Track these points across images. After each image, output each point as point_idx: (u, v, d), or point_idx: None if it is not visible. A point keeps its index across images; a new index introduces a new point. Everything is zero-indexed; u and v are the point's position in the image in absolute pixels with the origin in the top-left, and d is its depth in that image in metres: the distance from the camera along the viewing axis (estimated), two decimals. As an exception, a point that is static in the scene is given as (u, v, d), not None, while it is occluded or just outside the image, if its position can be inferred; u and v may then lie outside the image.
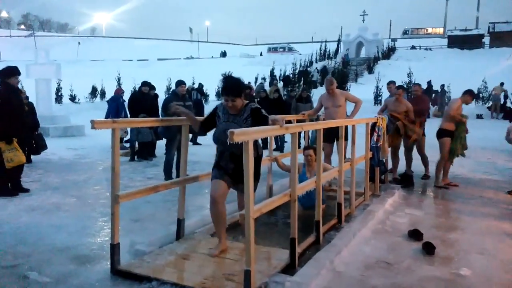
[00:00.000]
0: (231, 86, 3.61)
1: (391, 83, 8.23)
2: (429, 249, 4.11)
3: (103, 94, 24.52)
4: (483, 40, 44.79)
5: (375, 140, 6.21)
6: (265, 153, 7.45)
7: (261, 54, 50.52)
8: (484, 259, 3.97)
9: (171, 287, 3.17)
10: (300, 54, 42.46)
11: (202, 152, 9.82)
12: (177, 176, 6.76)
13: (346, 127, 5.61)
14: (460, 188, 7.06)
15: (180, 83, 7.52)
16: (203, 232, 4.42)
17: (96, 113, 16.27)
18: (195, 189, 5.50)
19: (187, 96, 7.94)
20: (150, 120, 4.54)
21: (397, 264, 3.82)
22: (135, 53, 59.37)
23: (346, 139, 5.81)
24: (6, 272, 3.49)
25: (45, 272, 3.47)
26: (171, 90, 10.90)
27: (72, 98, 23.06)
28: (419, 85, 7.99)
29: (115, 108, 10.52)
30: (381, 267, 3.75)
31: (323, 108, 6.87)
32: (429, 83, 20.76)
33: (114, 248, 3.43)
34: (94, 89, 24.53)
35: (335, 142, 6.47)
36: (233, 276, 3.30)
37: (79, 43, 58.72)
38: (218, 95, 24.63)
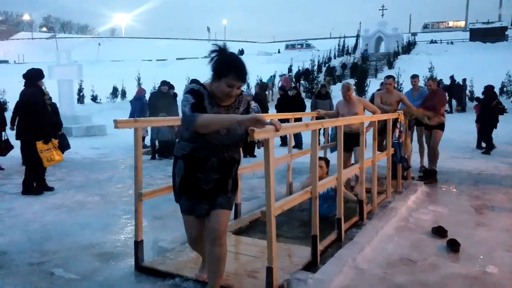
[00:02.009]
0: (244, 67, 2.63)
1: (415, 77, 8.11)
2: (453, 246, 4.03)
3: (123, 94, 24.87)
4: (506, 33, 43.64)
5: (397, 136, 6.13)
6: (285, 150, 7.45)
7: (278, 52, 50.38)
8: (511, 257, 3.87)
9: (194, 283, 3.20)
10: (318, 50, 42.17)
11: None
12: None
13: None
14: (485, 184, 6.92)
15: (193, 82, 7.60)
16: (224, 229, 4.43)
17: (117, 113, 16.51)
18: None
19: None
20: (172, 119, 4.57)
21: (421, 262, 3.76)
22: (154, 53, 59.96)
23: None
24: (33, 269, 3.58)
25: (71, 269, 3.55)
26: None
27: (94, 98, 23.46)
28: (433, 79, 7.80)
29: (140, 107, 10.65)
30: (404, 264, 3.71)
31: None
32: (451, 77, 20.32)
33: (138, 245, 3.48)
34: (115, 89, 24.90)
35: (352, 153, 6.20)
36: (255, 273, 3.31)
37: (99, 44, 59.69)
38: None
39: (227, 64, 2.56)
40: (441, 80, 20.19)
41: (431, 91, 7.38)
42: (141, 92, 11.67)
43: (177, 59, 50.22)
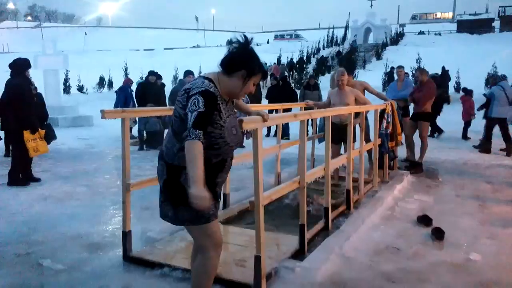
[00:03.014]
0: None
1: (400, 68, 8.18)
2: (438, 234, 4.11)
3: (110, 84, 24.60)
4: (493, 25, 44.03)
5: (384, 126, 6.18)
6: (273, 141, 7.48)
7: (268, 42, 50.22)
8: (494, 244, 3.96)
9: (182, 272, 3.21)
10: (307, 41, 42.10)
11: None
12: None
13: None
14: (470, 174, 7.04)
15: (188, 73, 7.58)
16: (213, 219, 4.45)
17: (104, 103, 16.29)
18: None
19: None
20: (159, 109, 4.56)
21: (407, 250, 3.83)
22: (141, 42, 59.26)
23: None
24: (20, 260, 3.56)
25: (59, 259, 3.53)
26: (178, 79, 10.89)
27: (80, 89, 23.17)
28: (420, 70, 7.80)
29: (123, 98, 10.57)
30: (390, 252, 3.77)
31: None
32: (443, 69, 20.42)
33: (126, 236, 3.48)
34: (101, 80, 24.61)
35: (341, 144, 6.19)
36: (243, 262, 3.34)
37: (85, 33, 58.75)
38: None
39: (258, 61, 2.36)
40: (436, 73, 20.29)
41: (421, 82, 7.40)
42: (126, 82, 11.55)
43: (164, 49, 49.69)
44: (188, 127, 2.12)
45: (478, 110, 10.33)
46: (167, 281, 3.16)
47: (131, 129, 11.18)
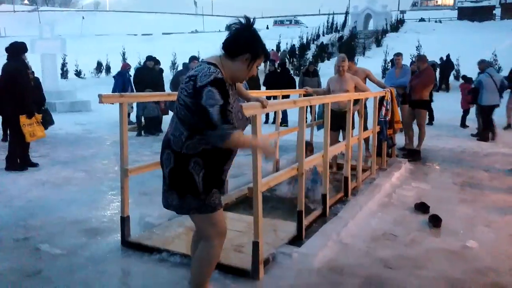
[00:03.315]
0: None
1: (399, 55, 8.14)
2: (435, 221, 4.13)
3: (108, 69, 24.42)
4: (494, 12, 43.70)
5: (383, 114, 6.17)
6: (272, 128, 7.46)
7: (267, 28, 49.81)
8: (491, 232, 3.99)
9: (180, 258, 3.23)
10: (307, 27, 41.74)
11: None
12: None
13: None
14: (467, 162, 7.05)
15: (193, 58, 7.64)
16: (211, 205, 4.46)
17: (102, 88, 16.18)
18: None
19: None
20: (158, 94, 4.54)
21: (404, 237, 3.85)
22: (139, 27, 58.68)
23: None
24: (18, 244, 3.57)
25: (57, 244, 3.55)
26: (183, 64, 10.79)
27: (78, 73, 23.00)
28: (420, 58, 7.79)
29: (121, 83, 10.50)
30: (387, 239, 3.79)
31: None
32: (447, 56, 20.28)
33: (124, 221, 3.49)
34: (99, 64, 24.42)
35: (340, 132, 6.19)
36: (241, 248, 3.36)
37: (83, 17, 58.15)
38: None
39: (261, 43, 2.29)
40: (433, 61, 20.23)
41: (420, 70, 7.40)
42: (125, 67, 11.47)
43: (163, 34, 49.21)
44: (217, 125, 2.07)
45: (467, 94, 10.30)
46: (165, 266, 3.17)
47: (129, 114, 11.15)
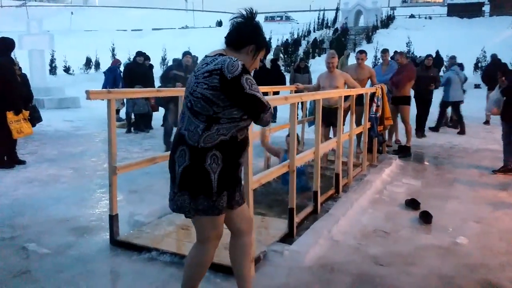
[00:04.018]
0: None
1: (385, 52, 8.18)
2: (426, 218, 4.14)
3: (97, 65, 24.20)
4: (483, 9, 44.03)
5: (374, 110, 6.16)
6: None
7: (258, 24, 49.67)
8: (481, 228, 4.01)
9: (170, 256, 3.19)
10: (297, 23, 41.71)
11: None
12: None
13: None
14: (457, 158, 7.09)
15: (185, 53, 7.57)
16: (202, 203, 4.42)
17: (91, 85, 15.99)
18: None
19: (190, 69, 7.84)
20: (147, 90, 4.48)
21: (395, 233, 3.85)
22: (129, 23, 58.14)
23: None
24: (4, 243, 3.50)
25: (44, 243, 3.48)
26: (173, 59, 10.71)
27: (66, 70, 22.75)
28: (401, 53, 7.93)
29: (112, 79, 10.37)
30: (378, 236, 3.79)
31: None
32: (437, 53, 20.42)
33: (113, 219, 3.44)
34: (88, 60, 24.18)
35: (331, 128, 6.17)
36: (231, 246, 3.32)
37: (72, 13, 57.56)
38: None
39: (263, 35, 2.33)
40: (420, 56, 20.33)
41: (401, 65, 7.48)
42: (115, 63, 11.35)
43: (153, 29, 48.85)
44: (269, 106, 2.22)
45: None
46: (155, 265, 3.13)
47: (118, 111, 11.04)
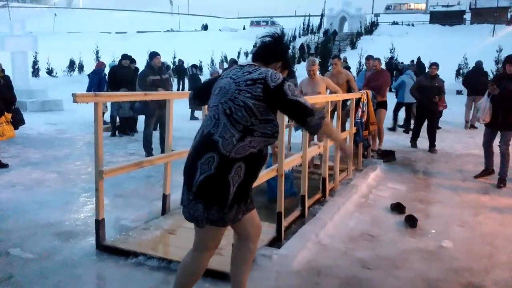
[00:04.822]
0: None
1: (369, 59, 8.34)
2: (411, 222, 4.20)
3: (81, 67, 23.93)
4: (464, 17, 44.98)
5: (359, 115, 6.23)
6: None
7: (244, 28, 49.83)
8: (465, 231, 4.08)
9: (158, 261, 3.17)
10: (283, 28, 41.97)
11: (185, 127, 9.71)
12: (162, 152, 6.73)
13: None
14: (440, 163, 7.20)
15: (154, 54, 7.28)
16: (189, 207, 4.40)
17: (74, 87, 15.81)
18: (178, 165, 5.44)
19: (163, 69, 7.78)
20: (133, 94, 4.45)
21: (381, 237, 3.89)
22: (113, 25, 57.72)
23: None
24: (-13, 248, 3.43)
25: (28, 248, 3.42)
26: (146, 62, 10.71)
27: (49, 72, 22.43)
28: (378, 59, 8.06)
29: (97, 82, 10.25)
30: (365, 239, 3.83)
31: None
32: (418, 59, 20.76)
33: (99, 224, 3.39)
34: (72, 63, 23.89)
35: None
36: (220, 250, 3.28)
37: (55, 14, 56.84)
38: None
39: (289, 57, 2.54)
40: (402, 63, 20.67)
41: (376, 72, 7.72)
42: (100, 65, 11.23)
43: (137, 32, 48.58)
44: (314, 109, 2.22)
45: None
46: (142, 270, 3.11)
47: (103, 114, 10.92)
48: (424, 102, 8.01)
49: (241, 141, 2.16)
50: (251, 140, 2.18)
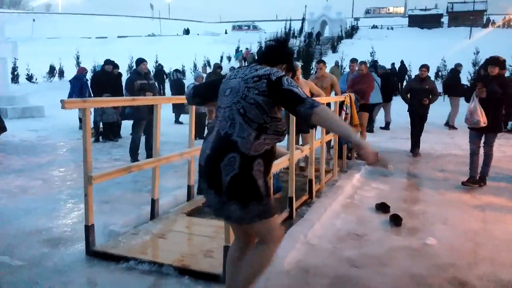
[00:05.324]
0: None
1: (354, 62, 8.48)
2: (396, 220, 4.30)
3: (61, 73, 23.62)
4: (442, 20, 45.99)
5: (343, 118, 6.34)
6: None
7: (226, 32, 49.93)
8: (448, 229, 4.20)
9: (149, 265, 3.18)
10: (265, 32, 42.25)
11: (170, 132, 9.71)
12: (147, 157, 6.72)
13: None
14: (422, 163, 7.37)
15: (141, 60, 7.34)
16: (177, 211, 4.43)
17: (55, 93, 15.58)
18: (164, 170, 5.46)
19: (150, 75, 7.78)
20: (121, 99, 4.45)
21: (367, 236, 3.98)
22: (93, 30, 57.21)
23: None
24: (-26, 257, 3.39)
25: (17, 255, 3.40)
26: (133, 69, 10.64)
27: (29, 78, 22.08)
28: (365, 63, 8.08)
29: (78, 87, 10.17)
30: (352, 239, 3.91)
31: None
32: (401, 62, 21.13)
33: (89, 229, 3.39)
34: (52, 68, 23.56)
35: (300, 136, 6.30)
36: (211, 253, 3.35)
37: (33, 20, 56.02)
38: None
39: (293, 61, 2.59)
40: (383, 66, 21.00)
41: (362, 75, 7.73)
42: (81, 71, 11.14)
43: (118, 37, 48.23)
44: (304, 97, 2.19)
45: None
46: (134, 275, 3.11)
47: (81, 119, 10.82)
48: (414, 105, 7.81)
49: (257, 139, 2.22)
50: (265, 137, 2.25)
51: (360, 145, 2.20)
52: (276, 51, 2.48)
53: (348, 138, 2.24)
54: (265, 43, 2.56)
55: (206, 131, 10.25)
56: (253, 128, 2.22)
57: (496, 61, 5.57)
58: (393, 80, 13.91)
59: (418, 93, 7.75)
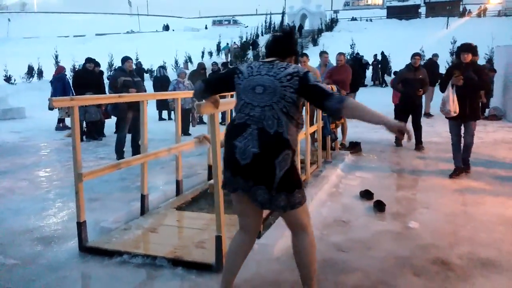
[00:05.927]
0: None
1: (325, 54, 8.67)
2: (380, 206, 4.46)
3: (40, 73, 23.21)
4: (419, 11, 46.56)
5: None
6: (221, 128, 7.55)
7: (206, 28, 49.63)
8: (429, 213, 4.37)
9: (142, 258, 3.25)
10: (246, 26, 42.11)
11: (155, 128, 9.71)
12: (133, 154, 6.74)
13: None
14: (403, 151, 7.57)
15: (126, 58, 7.36)
16: (167, 206, 4.49)
17: (35, 94, 15.44)
18: (151, 166, 5.50)
19: (134, 72, 7.78)
20: (107, 96, 4.48)
21: (352, 222, 4.13)
22: (71, 28, 56.21)
23: None
24: (-33, 258, 3.41)
25: (11, 254, 3.43)
26: (117, 66, 10.58)
27: (7, 79, 21.63)
28: (343, 54, 8.12)
29: (61, 88, 10.08)
30: (338, 225, 4.05)
31: None
32: (382, 54, 21.42)
33: (81, 226, 3.44)
34: (30, 69, 23.11)
35: None
36: (203, 244, 3.44)
37: (9, 19, 54.74)
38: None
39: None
40: (362, 56, 21.29)
41: (340, 66, 7.81)
42: (60, 70, 11.02)
43: (96, 34, 47.51)
44: (331, 92, 2.32)
45: None
46: (128, 268, 3.18)
47: (63, 120, 10.76)
48: (409, 95, 7.60)
49: (296, 133, 2.45)
50: (298, 131, 2.47)
51: (396, 125, 2.30)
52: (286, 44, 2.58)
53: (382, 122, 2.29)
54: (273, 35, 2.63)
55: (190, 127, 10.20)
56: (294, 124, 2.40)
57: (468, 48, 5.60)
58: (359, 70, 14.16)
59: (411, 83, 7.60)
